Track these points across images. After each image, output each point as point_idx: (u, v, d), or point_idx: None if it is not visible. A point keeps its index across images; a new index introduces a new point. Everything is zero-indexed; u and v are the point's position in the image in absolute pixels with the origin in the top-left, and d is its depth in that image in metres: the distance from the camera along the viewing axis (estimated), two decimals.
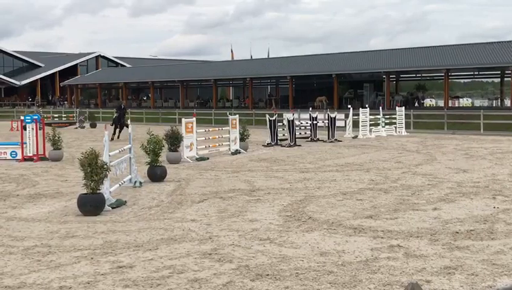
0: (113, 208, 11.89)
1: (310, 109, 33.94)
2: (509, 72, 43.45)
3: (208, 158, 21.12)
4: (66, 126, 43.73)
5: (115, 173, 13.10)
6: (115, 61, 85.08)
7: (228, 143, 23.33)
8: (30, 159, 21.28)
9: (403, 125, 34.51)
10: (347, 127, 32.31)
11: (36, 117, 22.68)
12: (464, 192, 13.35)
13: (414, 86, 59.08)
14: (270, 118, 27.13)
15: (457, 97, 54.06)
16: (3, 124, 46.72)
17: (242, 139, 23.95)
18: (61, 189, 14.69)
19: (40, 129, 22.02)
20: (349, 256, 8.21)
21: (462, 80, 58.45)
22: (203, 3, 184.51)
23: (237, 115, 24.82)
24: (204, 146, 22.25)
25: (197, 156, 20.95)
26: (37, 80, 79.29)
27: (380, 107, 35.64)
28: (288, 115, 28.73)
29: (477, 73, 50.34)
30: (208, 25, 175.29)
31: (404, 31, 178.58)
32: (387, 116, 34.50)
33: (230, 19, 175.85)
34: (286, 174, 16.93)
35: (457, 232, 9.48)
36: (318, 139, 28.81)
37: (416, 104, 49.30)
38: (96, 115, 51.72)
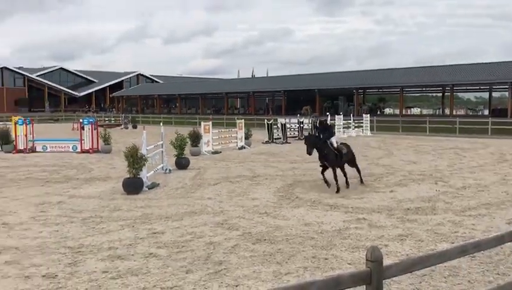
0: (149, 189, 11.90)
1: (298, 115, 33.83)
2: (448, 88, 43.35)
3: (221, 152, 21.10)
4: (114, 127, 43.64)
5: (150, 163, 13.10)
6: (151, 78, 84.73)
7: (236, 141, 23.32)
8: (87, 151, 21.28)
9: (368, 128, 34.45)
10: None
11: (92, 120, 22.63)
12: (413, 179, 13.34)
13: (377, 99, 58.83)
14: (268, 122, 27.09)
15: (410, 107, 53.88)
16: (67, 126, 46.69)
17: (246, 138, 23.93)
18: (110, 174, 14.69)
19: (94, 129, 22.01)
20: (326, 226, 8.22)
21: (413, 94, 58.13)
22: (219, 36, 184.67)
23: (243, 120, 24.78)
24: (217, 143, 22.24)
25: (212, 150, 20.93)
26: (92, 92, 79.05)
27: (351, 114, 35.57)
28: (281, 120, 28.66)
29: (424, 89, 50.00)
30: (222, 52, 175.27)
31: (371, 56, 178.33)
32: (356, 121, 34.47)
33: (238, 47, 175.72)
34: (279, 164, 16.91)
35: (408, 209, 9.49)
36: (303, 138, 28.71)
37: (378, 112, 49.12)
38: (137, 119, 51.69)
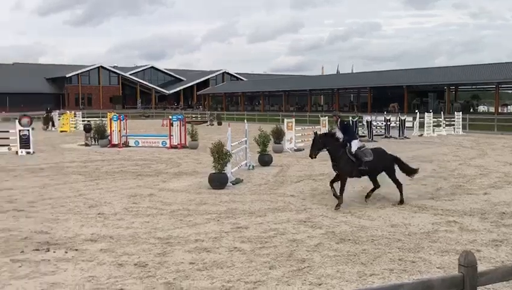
0: (233, 184, 12.13)
1: (385, 112, 32.90)
2: None
3: (303, 149, 21.00)
4: (200, 124, 45.00)
5: (235, 159, 13.35)
6: (236, 76, 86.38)
7: None
8: (175, 147, 22.13)
9: (460, 126, 32.70)
10: (414, 127, 31.03)
11: (180, 117, 23.51)
12: (509, 181, 12.48)
13: (470, 96, 55.77)
14: (352, 120, 26.58)
15: (506, 105, 50.52)
16: (157, 122, 48.85)
17: None
18: (197, 169, 15.17)
19: (182, 126, 22.84)
20: (414, 228, 7.93)
21: (510, 91, 54.37)
22: (304, 32, 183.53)
23: (326, 117, 24.53)
24: (300, 140, 22.19)
25: (295, 148, 20.92)
26: (180, 90, 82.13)
27: (442, 112, 33.98)
28: (367, 117, 28.02)
29: None
30: (306, 48, 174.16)
31: (463, 52, 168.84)
32: (447, 119, 32.86)
33: (324, 43, 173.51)
34: None
35: (504, 213, 8.90)
36: (391, 137, 27.89)
37: (471, 110, 46.53)
38: (222, 116, 52.88)
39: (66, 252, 6.70)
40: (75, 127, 37.02)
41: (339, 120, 10.40)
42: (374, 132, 27.33)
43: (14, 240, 7.31)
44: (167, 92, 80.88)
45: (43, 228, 8.00)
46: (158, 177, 13.52)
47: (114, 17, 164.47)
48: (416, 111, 32.79)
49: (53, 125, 37.86)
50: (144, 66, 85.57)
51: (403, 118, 29.07)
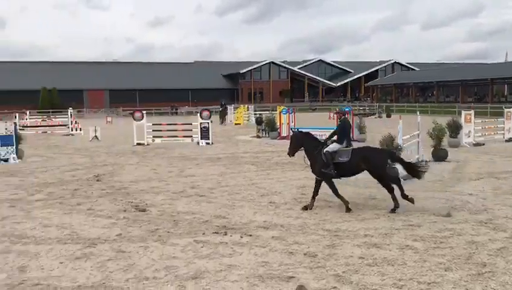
0: (404, 179, 11.63)
1: None
2: None
3: (484, 144, 19.32)
4: (368, 116, 44.18)
5: (406, 153, 12.82)
6: (407, 66, 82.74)
7: (503, 132, 20.97)
8: None
9: None
10: None
11: (347, 109, 23.37)
12: None
13: None
14: None
15: None
16: (324, 115, 49.31)
17: None
18: None
19: (350, 118, 22.69)
20: None
21: None
22: (485, 16, 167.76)
23: (511, 109, 22.11)
24: (480, 134, 20.40)
25: (474, 142, 19.31)
26: (347, 82, 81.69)
27: None
28: None
29: None
30: (488, 33, 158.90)
31: None
32: None
33: (509, 26, 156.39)
34: None
35: None
36: None
37: None
38: (391, 108, 51.29)
39: (242, 237, 7.16)
40: (247, 120, 39.27)
41: (342, 118, 9.89)
42: None
43: (196, 223, 8.05)
44: (334, 84, 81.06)
45: (221, 213, 8.66)
46: None
47: (284, 13, 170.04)
48: None
49: (224, 119, 39.55)
50: (312, 59, 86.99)
51: None
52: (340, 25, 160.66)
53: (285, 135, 23.96)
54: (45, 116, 42.79)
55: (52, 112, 51.86)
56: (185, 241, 6.98)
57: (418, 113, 17.43)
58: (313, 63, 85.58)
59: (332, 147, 9.04)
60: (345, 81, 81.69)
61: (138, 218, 8.43)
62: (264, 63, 77.84)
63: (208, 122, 22.20)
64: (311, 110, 63.23)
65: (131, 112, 29.87)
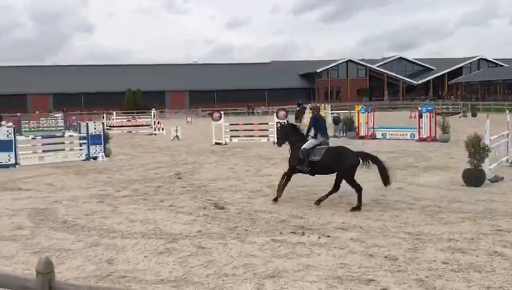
0: (491, 181, 11.08)
1: None
2: None
3: None
4: (452, 115, 42.23)
5: (494, 154, 12.14)
6: (495, 62, 78.12)
7: None
8: (424, 140, 21.31)
9: None
10: None
11: (430, 108, 22.50)
12: None
13: None
14: None
15: None
16: (404, 114, 47.79)
17: None
18: (448, 164, 14.34)
19: (432, 117, 21.82)
20: None
21: None
22: None
23: None
24: None
25: None
26: (429, 79, 78.59)
27: None
28: None
29: None
30: None
31: None
32: None
33: None
34: None
35: None
36: None
37: None
38: (476, 107, 48.73)
39: (319, 238, 7.11)
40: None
41: (314, 113, 10.19)
42: None
43: (274, 222, 8.11)
44: (415, 82, 78.30)
45: (298, 213, 8.66)
46: (406, 171, 13.22)
47: (362, 10, 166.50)
48: None
49: (301, 119, 39.54)
50: (392, 57, 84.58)
51: None
52: (422, 20, 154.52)
53: (364, 134, 23.49)
54: (130, 117, 44.95)
55: (136, 113, 54.34)
56: (262, 240, 7.05)
57: (507, 112, 16.42)
58: (393, 60, 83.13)
59: (309, 143, 9.45)
60: (427, 79, 78.59)
61: (217, 215, 8.64)
62: (342, 61, 76.79)
63: (284, 122, 22.26)
64: (390, 109, 61.51)
65: (210, 112, 30.65)
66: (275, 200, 9.54)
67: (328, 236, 7.18)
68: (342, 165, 9.03)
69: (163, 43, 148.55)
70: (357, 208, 8.75)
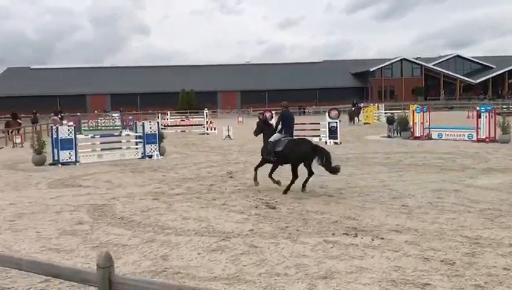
0: None
1: None
2: None
3: None
4: None
5: None
6: None
7: None
8: (483, 140, 20.52)
9: None
10: None
11: (489, 108, 21.63)
12: None
13: None
14: None
15: None
16: (461, 114, 46.20)
17: None
18: (509, 166, 13.72)
19: (492, 117, 20.96)
20: None
21: None
22: None
23: None
24: None
25: None
26: (488, 78, 75.53)
27: None
28: None
29: None
30: None
31: None
32: None
33: None
34: None
35: None
36: None
37: None
38: None
39: (373, 240, 6.99)
40: (377, 120, 38.22)
41: (282, 110, 11.27)
42: None
43: (326, 223, 8.04)
44: (473, 81, 75.46)
45: (351, 214, 8.54)
46: (464, 173, 12.77)
47: (418, 7, 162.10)
48: None
49: (354, 119, 38.86)
50: (448, 55, 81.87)
51: None
52: (481, 17, 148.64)
53: (419, 135, 22.90)
54: (183, 117, 45.86)
55: (190, 113, 55.36)
56: (314, 241, 7.01)
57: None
58: (449, 58, 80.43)
59: (275, 136, 10.90)
60: (486, 77, 75.54)
61: (269, 215, 8.66)
62: (396, 60, 75.13)
63: (336, 122, 22.03)
64: (447, 109, 59.58)
65: (261, 112, 30.73)
66: (255, 180, 11.32)
67: (382, 238, 7.04)
68: (296, 154, 10.41)
69: (216, 44, 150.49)
70: (285, 191, 10.36)
